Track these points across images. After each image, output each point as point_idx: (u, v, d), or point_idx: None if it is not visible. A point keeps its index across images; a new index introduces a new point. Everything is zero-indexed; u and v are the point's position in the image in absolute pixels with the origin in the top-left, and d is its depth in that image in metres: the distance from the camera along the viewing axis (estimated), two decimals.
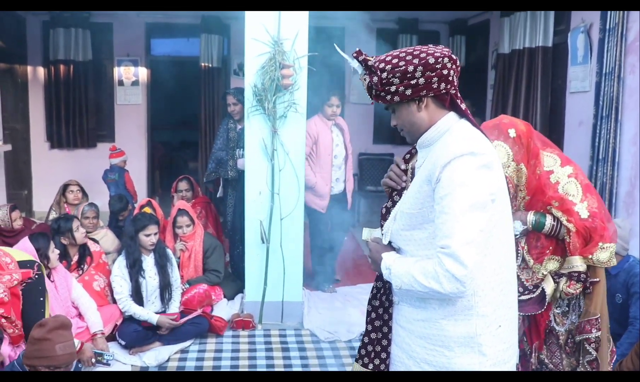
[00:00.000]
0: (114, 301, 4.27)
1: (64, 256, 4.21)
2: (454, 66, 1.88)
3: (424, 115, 1.94)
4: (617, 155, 4.70)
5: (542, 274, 2.59)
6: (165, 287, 4.32)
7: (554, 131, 6.06)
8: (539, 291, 2.58)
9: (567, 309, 2.64)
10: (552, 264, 2.59)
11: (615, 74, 4.65)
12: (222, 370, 3.91)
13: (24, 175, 8.02)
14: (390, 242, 2.06)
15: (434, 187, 1.84)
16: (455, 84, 1.91)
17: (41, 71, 8.10)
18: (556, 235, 2.51)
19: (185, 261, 4.85)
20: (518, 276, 2.56)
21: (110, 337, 4.18)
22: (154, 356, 4.02)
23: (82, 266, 4.38)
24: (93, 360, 3.72)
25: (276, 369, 3.93)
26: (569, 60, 5.57)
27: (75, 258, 4.36)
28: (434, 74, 1.85)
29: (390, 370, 2.13)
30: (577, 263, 2.49)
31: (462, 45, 8.31)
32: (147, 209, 4.78)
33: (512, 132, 2.49)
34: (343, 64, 8.54)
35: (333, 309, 4.96)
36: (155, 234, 4.32)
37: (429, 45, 1.93)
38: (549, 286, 2.53)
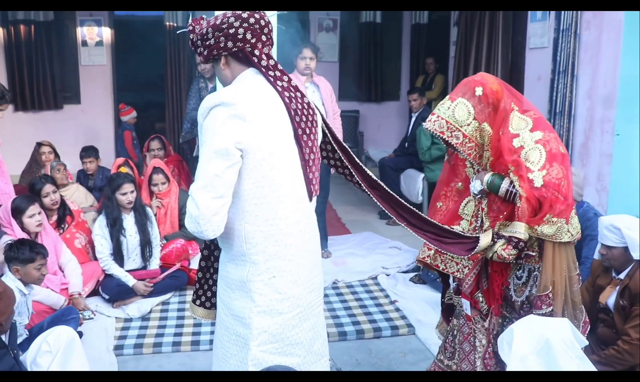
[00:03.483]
0: (96, 258, 4.40)
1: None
2: (243, 25, 2.02)
3: (227, 72, 2.12)
4: (573, 108, 4.94)
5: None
6: (145, 245, 4.46)
7: (514, 86, 6.19)
8: (473, 238, 2.46)
9: (526, 280, 2.52)
10: (497, 228, 2.44)
11: (572, 30, 4.84)
12: None
13: None
14: None
15: None
16: (251, 41, 2.04)
17: (1, 32, 7.93)
18: (512, 200, 2.36)
19: (162, 218, 4.98)
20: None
21: (94, 292, 4.33)
22: (137, 308, 4.18)
23: (63, 225, 4.47)
24: (81, 315, 3.89)
25: None
26: (528, 17, 5.73)
27: (54, 218, 4.44)
28: (221, 34, 2.03)
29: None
30: (520, 229, 2.33)
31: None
32: (123, 169, 4.87)
33: (478, 90, 2.41)
34: (308, 21, 8.63)
35: None
36: (132, 192, 4.43)
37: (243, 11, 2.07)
38: (484, 239, 2.38)
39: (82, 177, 5.94)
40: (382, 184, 2.41)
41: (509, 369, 1.93)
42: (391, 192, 2.41)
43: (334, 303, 4.35)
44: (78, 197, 5.05)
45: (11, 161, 6.36)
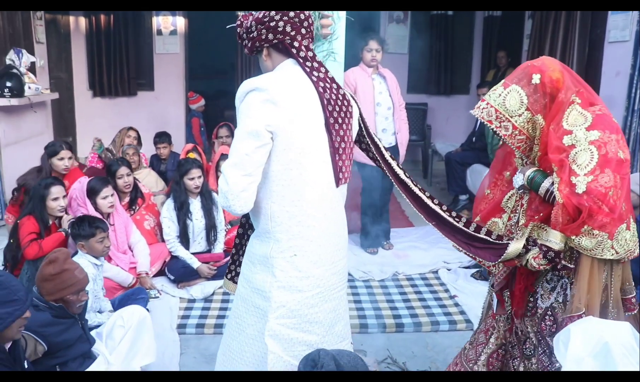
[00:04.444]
0: (163, 240, 4.56)
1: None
2: (284, 18, 2.13)
3: (269, 63, 2.23)
4: None
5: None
6: (210, 229, 4.60)
7: (590, 82, 6.02)
8: (503, 244, 2.27)
9: (554, 285, 2.32)
10: (536, 233, 2.25)
11: None
12: None
13: (68, 122, 8.31)
14: None
15: None
16: (290, 34, 2.15)
17: (83, 21, 8.29)
18: (551, 201, 2.17)
19: None
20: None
21: (160, 272, 4.49)
22: (200, 290, 4.31)
23: (134, 207, 4.66)
24: (151, 291, 4.12)
25: None
26: None
27: (126, 199, 4.63)
28: (263, 27, 2.14)
29: None
30: (554, 238, 2.13)
31: None
32: (192, 154, 5.01)
33: (536, 78, 2.19)
34: (378, 13, 8.58)
35: (367, 252, 5.19)
36: (199, 177, 4.56)
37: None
38: (513, 246, 2.18)
39: (155, 162, 6.15)
40: (412, 184, 2.42)
41: (564, 369, 1.87)
42: (420, 194, 2.41)
43: (392, 295, 4.35)
44: (149, 181, 5.25)
45: (87, 144, 6.70)
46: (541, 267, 2.17)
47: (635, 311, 2.30)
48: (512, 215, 2.42)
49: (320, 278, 2.24)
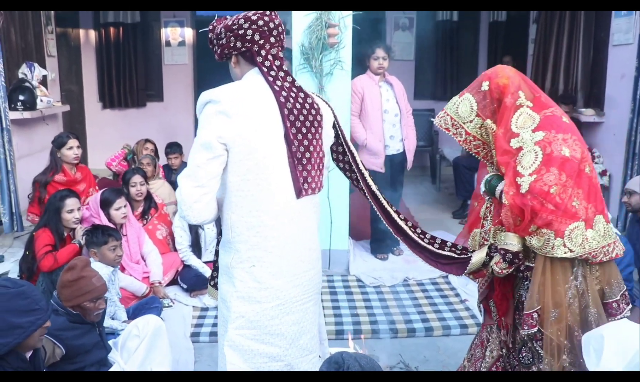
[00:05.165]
0: (175, 249, 4.62)
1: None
2: (252, 27, 2.13)
3: (237, 70, 2.24)
4: None
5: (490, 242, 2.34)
6: None
7: (596, 84, 6.09)
8: (467, 258, 2.35)
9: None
10: (497, 237, 2.28)
11: None
12: None
13: (79, 134, 8.22)
14: None
15: None
16: (258, 42, 2.15)
17: (92, 34, 8.41)
18: None
19: None
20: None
21: (173, 281, 4.56)
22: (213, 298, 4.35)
23: (147, 217, 4.73)
24: (165, 300, 4.19)
25: (325, 312, 4.21)
26: (612, 13, 5.54)
27: (139, 209, 4.70)
28: (232, 34, 2.15)
29: None
30: (510, 241, 2.16)
31: None
32: None
33: (485, 85, 2.27)
34: (384, 20, 8.65)
35: (377, 257, 5.22)
36: None
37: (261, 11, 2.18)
38: (476, 257, 2.27)
39: (167, 172, 6.20)
40: (382, 197, 2.48)
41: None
42: (388, 208, 2.47)
43: (403, 300, 4.39)
44: (163, 192, 5.30)
45: (98, 155, 6.79)
46: (504, 271, 2.21)
47: (621, 316, 2.23)
48: (484, 222, 2.43)
49: (280, 290, 2.19)
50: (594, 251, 2.15)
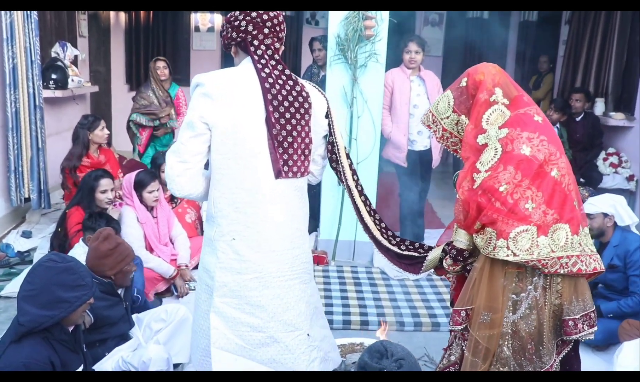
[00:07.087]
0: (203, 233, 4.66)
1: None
2: (246, 18, 2.30)
3: (237, 59, 2.41)
4: None
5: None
6: None
7: (627, 88, 6.04)
8: (424, 255, 2.36)
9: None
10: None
11: None
12: None
13: (105, 115, 8.46)
14: None
15: None
16: (252, 33, 2.30)
17: (123, 16, 8.46)
18: None
19: None
20: None
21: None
22: None
23: (176, 200, 4.77)
24: (187, 285, 4.18)
25: (350, 302, 4.23)
26: None
27: (169, 192, 4.74)
28: (229, 26, 2.34)
29: None
30: (459, 237, 2.14)
31: None
32: None
33: (463, 81, 2.27)
34: (414, 15, 8.60)
35: None
36: None
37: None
38: (432, 255, 2.28)
39: None
40: (357, 194, 2.53)
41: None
42: (361, 207, 2.54)
43: (427, 294, 4.40)
44: None
45: (123, 137, 6.83)
46: (450, 268, 2.22)
47: (579, 336, 2.14)
48: None
49: (257, 264, 2.32)
50: (544, 260, 2.03)
